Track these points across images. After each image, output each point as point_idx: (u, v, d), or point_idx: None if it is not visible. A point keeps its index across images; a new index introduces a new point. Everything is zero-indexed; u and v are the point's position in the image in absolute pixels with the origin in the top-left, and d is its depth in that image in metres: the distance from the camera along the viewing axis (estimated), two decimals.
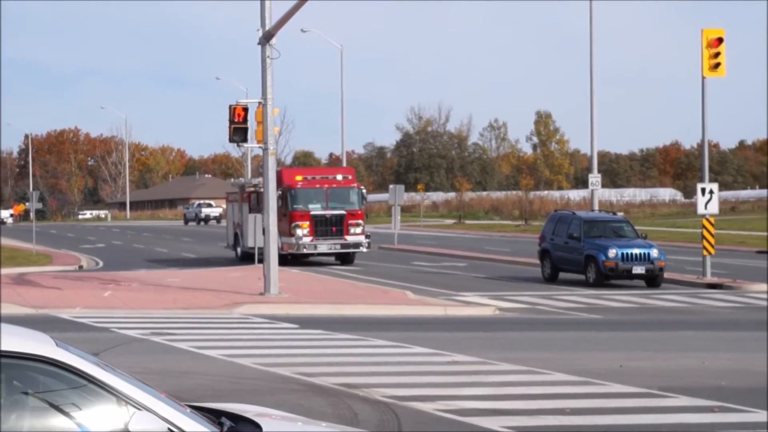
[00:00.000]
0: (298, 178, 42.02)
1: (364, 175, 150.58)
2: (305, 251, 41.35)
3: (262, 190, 36.57)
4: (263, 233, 32.48)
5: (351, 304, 26.74)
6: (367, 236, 42.06)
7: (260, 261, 36.92)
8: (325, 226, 41.34)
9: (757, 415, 13.45)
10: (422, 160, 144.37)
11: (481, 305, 27.50)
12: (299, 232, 41.03)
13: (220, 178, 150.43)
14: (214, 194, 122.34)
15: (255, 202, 42.92)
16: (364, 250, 42.08)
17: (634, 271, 33.14)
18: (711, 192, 35.44)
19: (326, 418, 12.64)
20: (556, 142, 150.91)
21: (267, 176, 28.28)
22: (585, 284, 33.59)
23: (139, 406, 6.03)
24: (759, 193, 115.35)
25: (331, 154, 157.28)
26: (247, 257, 42.50)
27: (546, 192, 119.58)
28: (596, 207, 43.13)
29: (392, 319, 24.62)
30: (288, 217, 41.20)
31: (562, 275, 35.67)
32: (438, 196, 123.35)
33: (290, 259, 41.57)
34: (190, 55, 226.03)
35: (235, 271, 37.58)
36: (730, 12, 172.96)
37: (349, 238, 41.50)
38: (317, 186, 41.84)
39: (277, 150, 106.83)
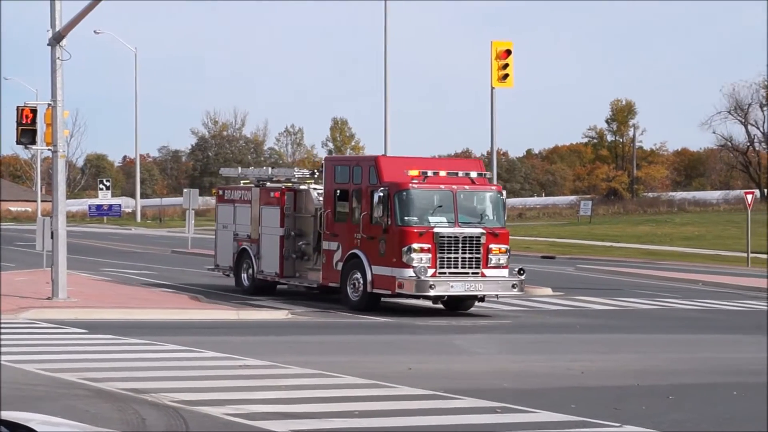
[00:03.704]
0: (413, 172, 26.47)
1: (158, 179, 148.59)
2: (432, 293, 26.11)
3: (310, 185, 30.35)
4: (50, 239, 28.56)
5: (142, 308, 26.40)
6: (520, 271, 27.14)
7: (319, 291, 29.51)
8: (455, 253, 26.26)
9: (538, 415, 13.90)
10: (218, 164, 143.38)
11: (274, 309, 27.54)
12: (417, 259, 25.99)
13: (7, 180, 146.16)
14: (4, 196, 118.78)
15: (293, 204, 30.02)
16: (517, 292, 27.23)
17: None
18: None
19: (113, 424, 12.48)
20: (351, 148, 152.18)
21: (56, 180, 27.66)
22: None
23: None
24: (545, 200, 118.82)
25: (125, 157, 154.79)
26: (263, 288, 30.65)
27: None
28: None
29: (184, 323, 24.43)
30: (396, 236, 26.07)
31: None
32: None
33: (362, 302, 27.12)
34: None
35: (21, 275, 36.60)
36: (518, 25, 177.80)
37: (489, 274, 26.63)
38: (442, 187, 26.56)
39: (68, 152, 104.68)
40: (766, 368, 19.33)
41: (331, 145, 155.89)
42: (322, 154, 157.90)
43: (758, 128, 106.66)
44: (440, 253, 26.06)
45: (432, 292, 26.02)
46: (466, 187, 26.72)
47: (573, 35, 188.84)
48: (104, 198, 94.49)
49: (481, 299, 27.45)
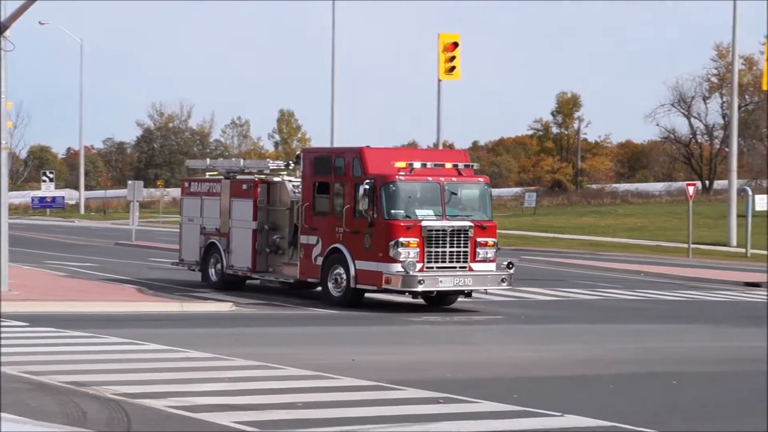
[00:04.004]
0: (400, 164, 25.74)
1: (102, 171, 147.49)
2: (420, 288, 25.32)
3: (284, 177, 29.47)
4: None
5: (85, 300, 26.20)
6: (509, 265, 26.59)
7: (294, 286, 29.11)
8: (443, 247, 25.59)
9: (480, 405, 13.97)
10: (163, 156, 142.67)
11: (218, 301, 27.43)
12: (404, 253, 25.32)
13: None
14: None
15: (266, 197, 29.04)
16: (506, 287, 26.78)
17: None
18: None
19: (54, 418, 12.40)
20: (298, 140, 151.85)
21: None
22: None
23: None
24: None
25: (69, 149, 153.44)
26: (232, 284, 29.86)
27: None
28: None
29: (127, 315, 24.29)
30: (383, 230, 25.42)
31: None
32: (178, 193, 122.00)
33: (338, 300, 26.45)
34: None
35: None
36: (466, 17, 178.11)
37: (477, 268, 26.03)
38: (430, 179, 25.97)
39: (11, 144, 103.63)
40: (715, 357, 19.57)
41: (277, 137, 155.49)
42: (268, 146, 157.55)
43: (701, 121, 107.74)
44: (428, 247, 25.38)
45: (420, 288, 25.22)
46: (453, 178, 26.10)
47: (519, 28, 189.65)
48: (47, 190, 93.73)
49: (468, 294, 26.70)
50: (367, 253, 25.60)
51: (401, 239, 25.13)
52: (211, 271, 30.36)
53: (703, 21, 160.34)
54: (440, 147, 38.77)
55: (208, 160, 34.50)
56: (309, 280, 27.56)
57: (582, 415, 13.34)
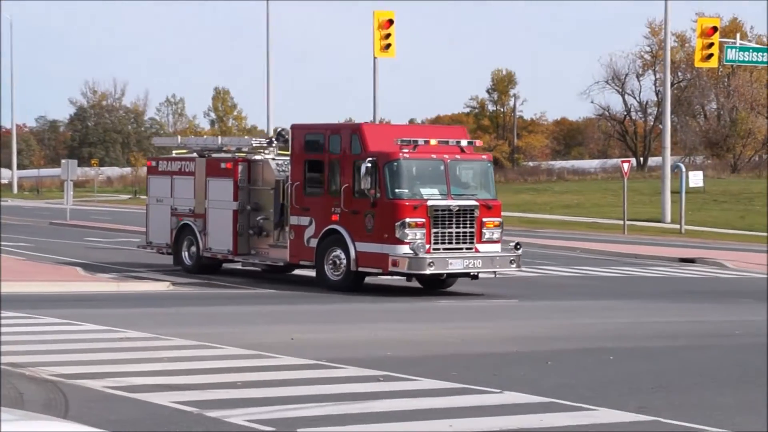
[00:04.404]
0: (404, 141, 24.75)
1: (35, 150, 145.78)
2: (430, 271, 24.32)
3: (267, 155, 28.34)
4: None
5: (19, 281, 25.92)
6: (517, 246, 25.73)
7: (279, 270, 28.73)
8: (449, 227, 24.57)
9: (419, 383, 14.03)
10: (97, 134, 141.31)
11: (155, 280, 27.28)
12: (411, 234, 24.28)
13: None
14: None
15: (247, 176, 27.96)
16: (515, 269, 25.84)
17: None
18: None
19: None
20: (233, 118, 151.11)
21: None
22: None
23: None
24: None
25: (0, 127, 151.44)
26: (208, 267, 28.96)
27: None
28: None
29: (62, 296, 24.06)
30: (387, 210, 24.37)
31: None
32: (113, 171, 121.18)
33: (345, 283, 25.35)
34: None
35: None
36: None
37: (483, 249, 25.02)
38: (434, 156, 24.93)
39: None
40: (650, 333, 19.80)
41: (213, 116, 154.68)
42: (204, 124, 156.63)
43: (635, 98, 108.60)
44: (434, 227, 24.32)
45: (429, 271, 24.17)
46: (457, 156, 25.08)
47: (455, 5, 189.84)
48: None
49: (475, 277, 25.61)
50: (370, 235, 24.54)
51: (407, 219, 24.10)
52: (185, 254, 29.16)
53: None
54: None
55: (179, 137, 33.03)
56: (301, 263, 26.44)
57: (520, 392, 13.43)
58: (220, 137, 31.12)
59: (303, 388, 13.51)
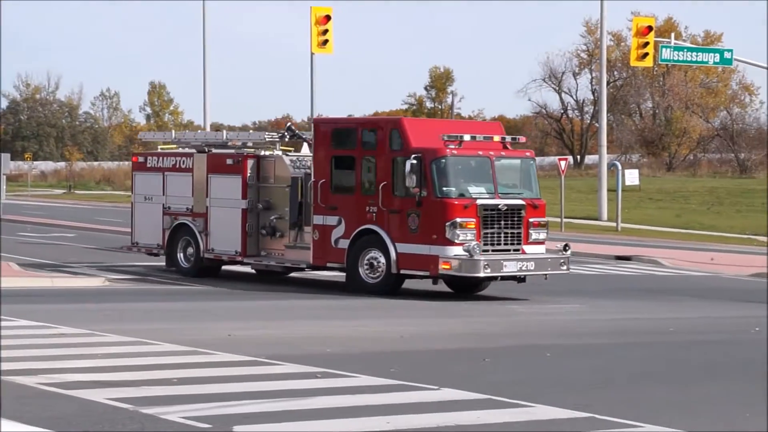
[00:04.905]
0: (450, 136, 23.88)
1: None
2: (485, 274, 23.37)
3: (274, 151, 27.15)
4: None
5: None
6: (566, 247, 25.08)
7: (290, 271, 27.15)
8: (497, 228, 23.68)
9: (358, 380, 13.98)
10: (30, 128, 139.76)
11: (91, 276, 27.01)
12: (462, 235, 23.38)
13: None
14: None
15: (256, 173, 26.56)
16: (566, 270, 24.84)
17: None
18: None
19: None
20: (170, 113, 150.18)
21: None
22: None
23: None
24: None
25: None
26: (210, 270, 27.55)
27: None
28: None
29: None
30: (437, 209, 23.38)
31: None
32: (47, 166, 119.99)
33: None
34: None
35: None
36: None
37: (529, 251, 24.14)
38: (480, 153, 24.08)
39: None
40: (586, 330, 19.91)
41: (148, 110, 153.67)
42: (139, 118, 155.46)
43: (571, 96, 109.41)
44: (484, 228, 23.35)
45: (484, 273, 23.16)
46: (502, 152, 24.17)
47: (393, 2, 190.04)
48: None
49: (523, 280, 24.57)
50: (414, 236, 23.46)
51: (458, 219, 23.09)
52: (180, 256, 27.69)
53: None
54: None
55: (173, 132, 31.25)
56: (329, 264, 25.16)
57: (458, 389, 13.44)
58: (225, 132, 29.36)
59: (240, 384, 13.42)
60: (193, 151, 28.14)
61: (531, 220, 23.99)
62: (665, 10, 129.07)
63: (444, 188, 23.32)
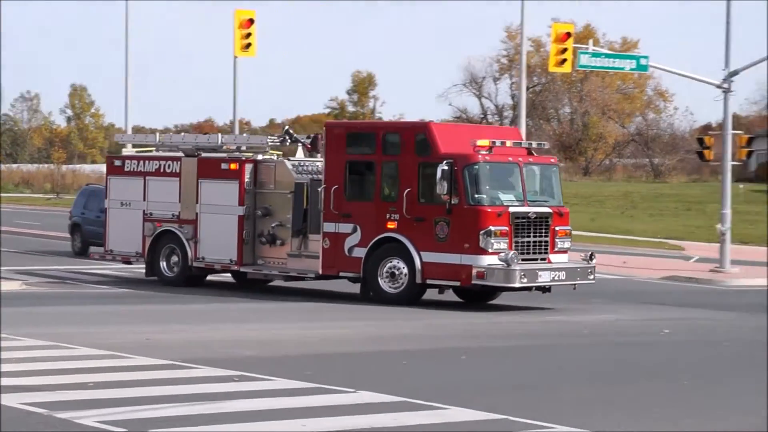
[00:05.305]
0: (483, 142, 23.01)
1: None
2: (521, 284, 22.60)
3: (275, 155, 26.64)
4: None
5: None
6: (591, 256, 24.12)
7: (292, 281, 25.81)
8: (527, 236, 23.03)
9: (274, 383, 14.07)
10: None
11: (8, 279, 26.73)
12: (496, 244, 22.66)
13: None
14: None
15: (253, 178, 25.45)
16: (592, 280, 24.13)
17: None
18: None
19: None
20: (91, 115, 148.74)
21: None
22: None
23: None
24: None
25: None
26: (197, 279, 26.34)
27: (79, 166, 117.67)
28: None
29: None
30: (470, 217, 22.62)
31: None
32: None
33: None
34: None
35: None
36: None
37: (555, 260, 23.50)
38: (510, 159, 23.36)
39: None
40: (496, 333, 20.13)
41: (69, 112, 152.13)
42: (60, 121, 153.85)
43: (491, 101, 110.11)
44: (515, 236, 22.68)
45: (520, 284, 22.38)
46: (530, 159, 23.55)
47: (317, 6, 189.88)
48: None
49: (548, 290, 23.76)
50: (443, 244, 22.61)
51: (492, 228, 22.33)
52: (163, 265, 26.40)
53: (493, 3, 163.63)
54: (236, 125, 38.56)
55: (157, 135, 28.40)
56: (342, 274, 24.24)
57: (375, 391, 13.57)
58: (220, 135, 27.43)
59: (156, 388, 13.44)
60: (180, 154, 26.91)
61: (557, 228, 23.49)
62: (584, 17, 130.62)
63: (476, 195, 22.59)
